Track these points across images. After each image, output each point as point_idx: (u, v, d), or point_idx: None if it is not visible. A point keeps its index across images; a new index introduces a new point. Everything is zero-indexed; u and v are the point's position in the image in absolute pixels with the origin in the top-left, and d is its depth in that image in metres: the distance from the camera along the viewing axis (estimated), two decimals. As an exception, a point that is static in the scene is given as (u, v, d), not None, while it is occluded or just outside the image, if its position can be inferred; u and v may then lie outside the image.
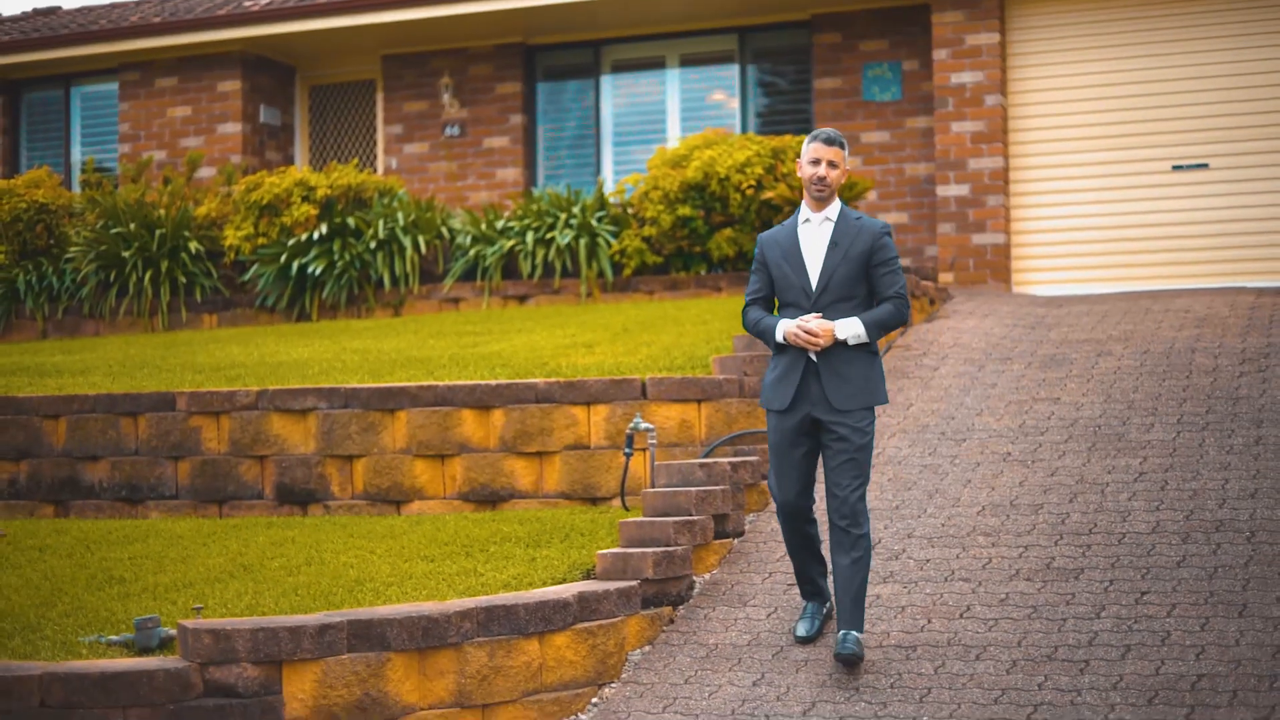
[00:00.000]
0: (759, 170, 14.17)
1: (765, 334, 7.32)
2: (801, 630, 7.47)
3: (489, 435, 10.03)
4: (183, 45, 18.33)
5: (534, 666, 7.14)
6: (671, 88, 17.55)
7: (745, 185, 14.16)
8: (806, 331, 7.09)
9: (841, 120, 16.40)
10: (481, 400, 10.04)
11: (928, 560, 8.17)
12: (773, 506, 8.95)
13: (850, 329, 7.13)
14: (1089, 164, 15.11)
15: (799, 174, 7.34)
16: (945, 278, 15.12)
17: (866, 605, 7.59)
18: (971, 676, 6.94)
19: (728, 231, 14.41)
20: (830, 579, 7.67)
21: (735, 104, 17.23)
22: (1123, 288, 14.44)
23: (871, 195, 16.08)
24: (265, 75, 18.70)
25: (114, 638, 7.04)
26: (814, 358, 7.18)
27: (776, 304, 7.43)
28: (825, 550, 7.96)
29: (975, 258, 15.13)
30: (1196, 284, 14.24)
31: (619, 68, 17.80)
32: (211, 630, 6.48)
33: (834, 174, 7.24)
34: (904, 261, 14.76)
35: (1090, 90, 15.17)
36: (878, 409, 9.37)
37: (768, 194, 14.17)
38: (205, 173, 18.11)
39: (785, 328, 7.18)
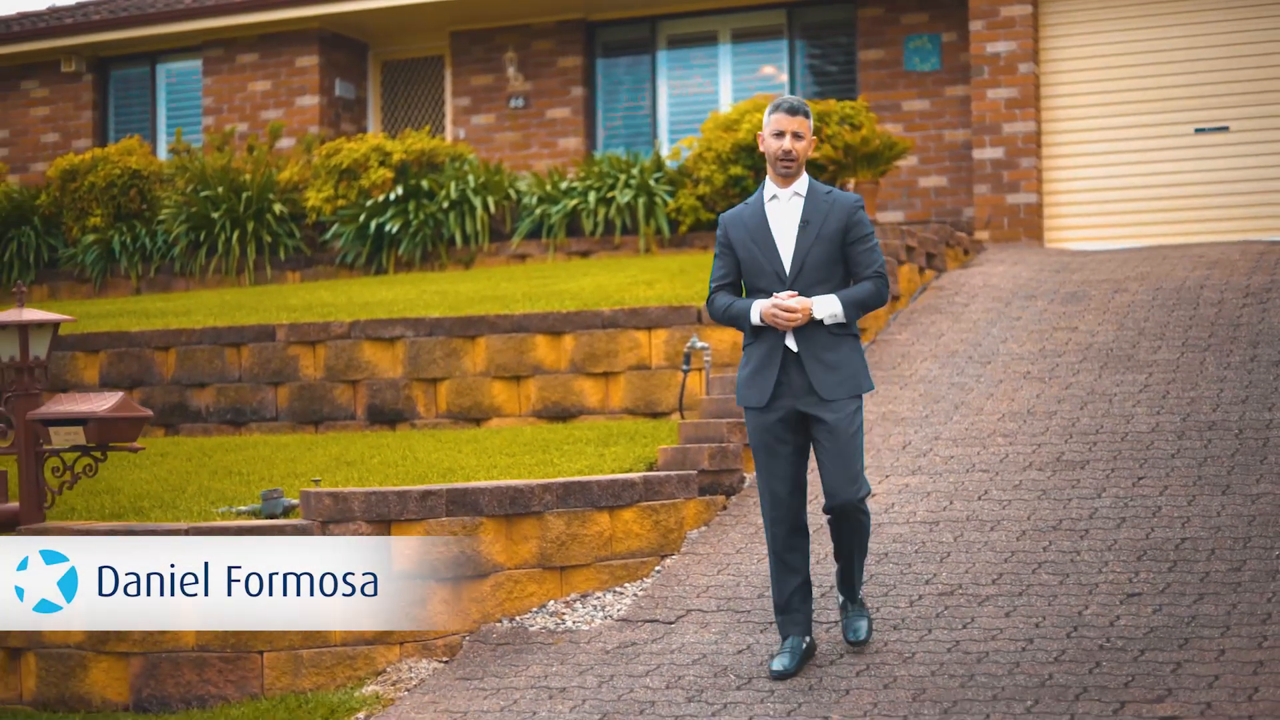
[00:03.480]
0: (805, 132, 15.18)
1: (739, 318, 6.73)
2: (778, 665, 6.79)
3: (560, 358, 11.13)
4: (263, 23, 19.49)
5: (605, 536, 8.22)
6: (723, 61, 18.58)
7: (792, 146, 15.16)
8: (783, 309, 6.55)
9: (884, 90, 17.41)
10: (554, 327, 11.14)
11: (951, 457, 9.22)
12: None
13: (828, 308, 6.60)
14: (1116, 127, 16.06)
15: (761, 148, 6.75)
16: (981, 235, 16.11)
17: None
18: (986, 543, 7.98)
19: (776, 190, 15.43)
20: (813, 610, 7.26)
21: (784, 76, 18.24)
22: (1147, 243, 15.38)
23: (912, 160, 17.08)
24: (340, 51, 19.85)
25: (243, 508, 8.15)
26: (792, 346, 6.65)
27: (744, 290, 6.89)
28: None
29: (1009, 216, 16.11)
30: (1216, 239, 15.16)
31: (674, 43, 18.85)
32: (331, 494, 7.61)
33: (800, 146, 6.64)
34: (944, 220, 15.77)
35: (1117, 58, 16.12)
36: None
37: (813, 154, 15.21)
38: (285, 143, 19.27)
39: (761, 307, 6.64)
